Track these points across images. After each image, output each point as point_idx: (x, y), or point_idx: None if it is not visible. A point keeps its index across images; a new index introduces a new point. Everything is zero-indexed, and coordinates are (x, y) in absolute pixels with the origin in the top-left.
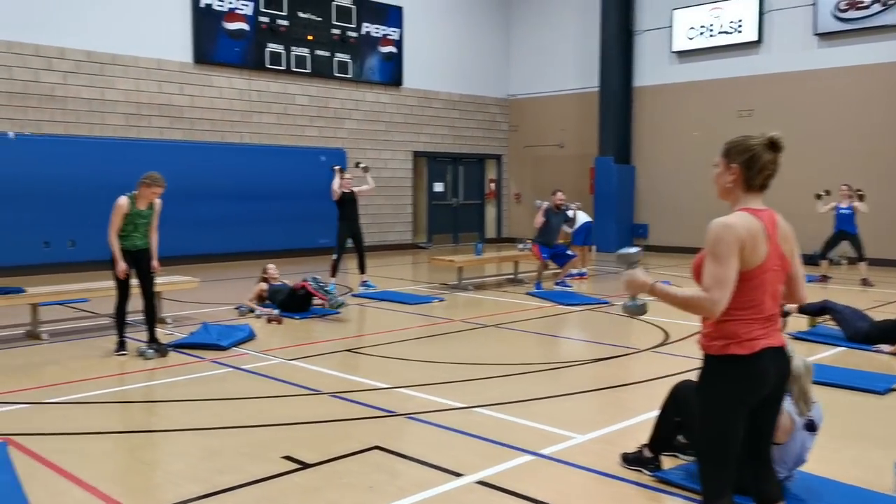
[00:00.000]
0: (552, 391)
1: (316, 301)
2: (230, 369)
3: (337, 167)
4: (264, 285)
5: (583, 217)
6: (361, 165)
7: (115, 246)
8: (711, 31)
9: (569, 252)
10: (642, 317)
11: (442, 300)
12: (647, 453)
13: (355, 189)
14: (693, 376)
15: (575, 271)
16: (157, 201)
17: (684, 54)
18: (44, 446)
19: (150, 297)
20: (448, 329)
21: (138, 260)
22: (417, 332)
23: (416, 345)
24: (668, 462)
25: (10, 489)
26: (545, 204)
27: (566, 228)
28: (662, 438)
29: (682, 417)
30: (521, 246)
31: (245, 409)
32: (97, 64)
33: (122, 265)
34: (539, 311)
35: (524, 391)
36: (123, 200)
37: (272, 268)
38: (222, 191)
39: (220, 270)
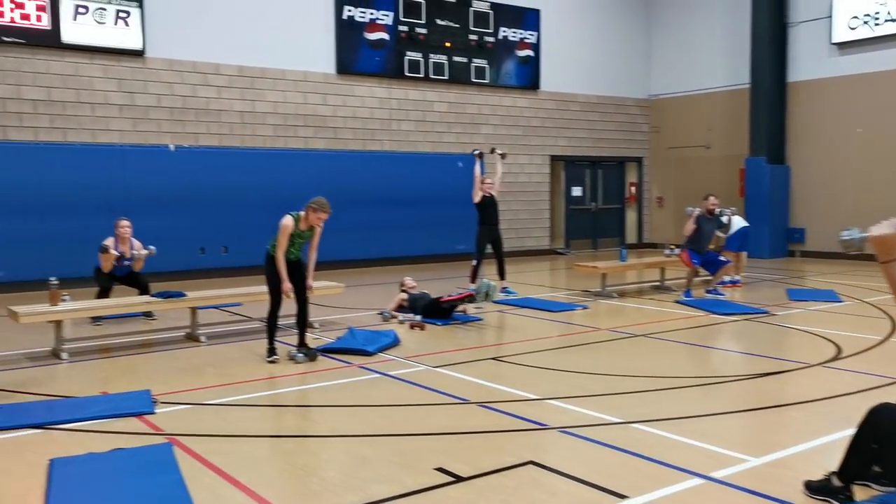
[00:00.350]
0: (714, 407)
1: (458, 307)
2: (378, 375)
3: (477, 152)
4: (404, 295)
5: (739, 222)
6: (499, 152)
7: (282, 266)
8: (877, 19)
9: (721, 258)
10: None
11: (586, 308)
12: (837, 482)
13: (493, 191)
14: (878, 396)
15: (728, 278)
16: (320, 225)
17: (846, 45)
18: (204, 447)
19: (303, 302)
20: (594, 338)
21: (292, 270)
22: (562, 340)
23: (561, 354)
24: (859, 492)
25: (176, 489)
26: (696, 210)
27: (720, 234)
28: (855, 467)
29: (880, 445)
30: (667, 251)
31: (394, 416)
32: (248, 78)
33: (287, 285)
34: (690, 321)
35: (683, 406)
36: (289, 221)
37: (410, 280)
38: (363, 197)
39: (360, 276)
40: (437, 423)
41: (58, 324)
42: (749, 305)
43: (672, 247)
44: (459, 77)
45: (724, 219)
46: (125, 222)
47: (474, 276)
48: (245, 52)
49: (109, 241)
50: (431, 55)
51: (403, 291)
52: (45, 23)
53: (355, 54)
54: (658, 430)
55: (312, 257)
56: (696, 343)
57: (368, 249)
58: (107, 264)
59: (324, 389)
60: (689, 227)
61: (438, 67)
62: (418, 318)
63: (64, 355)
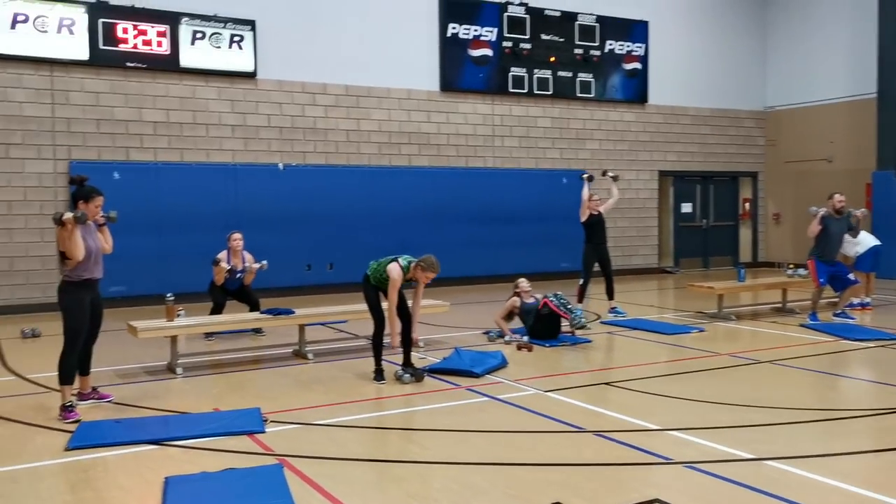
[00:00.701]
0: (859, 445)
1: (564, 328)
2: (486, 399)
3: (585, 175)
4: (517, 300)
5: (870, 240)
6: (610, 174)
7: (395, 321)
8: None
9: (850, 276)
10: None
11: (702, 330)
12: None
13: (601, 209)
14: None
15: (857, 301)
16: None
17: None
18: (314, 469)
19: (408, 322)
20: (713, 364)
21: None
22: (678, 365)
23: (679, 380)
24: None
25: None
26: (822, 210)
27: (849, 238)
28: None
29: None
30: (789, 272)
31: (506, 443)
32: (354, 97)
33: (397, 340)
34: (819, 347)
35: (820, 442)
36: (398, 275)
37: (524, 282)
38: (466, 214)
39: (463, 293)
40: (552, 452)
41: (173, 339)
42: (883, 330)
43: (791, 266)
44: (564, 92)
45: (853, 220)
46: (237, 235)
47: (581, 296)
48: (351, 71)
49: (222, 255)
50: (535, 70)
51: (516, 295)
52: (164, 48)
53: (459, 71)
54: (795, 468)
55: (417, 311)
56: (827, 371)
57: (471, 267)
58: (219, 277)
59: (431, 412)
60: (814, 228)
61: (543, 82)
62: (525, 338)
63: (179, 370)
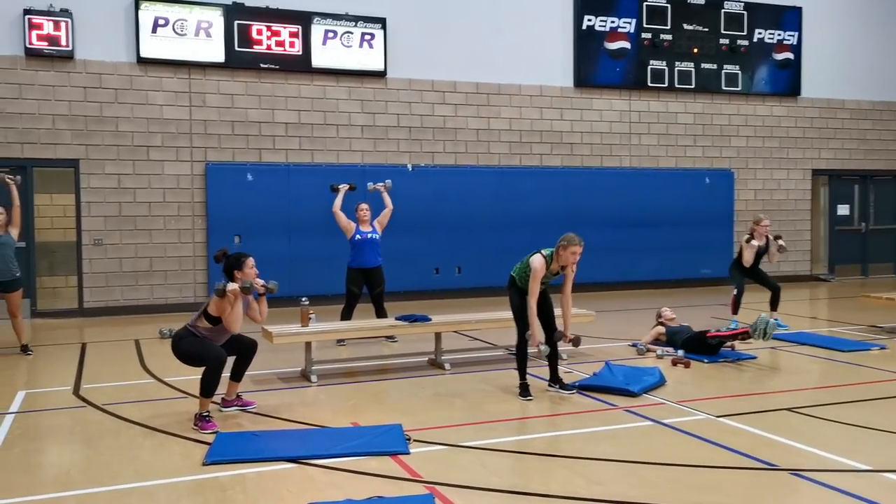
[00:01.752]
0: None
1: (726, 343)
2: (649, 422)
3: (779, 242)
4: (661, 329)
5: None
6: (781, 242)
7: (535, 321)
8: None
9: None
10: None
11: (883, 348)
12: None
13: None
14: None
15: None
16: (574, 262)
17: None
18: (467, 501)
19: (553, 332)
20: None
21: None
22: (867, 389)
23: (875, 407)
24: None
25: None
26: None
27: None
28: None
29: None
30: None
31: (685, 481)
32: (484, 94)
33: (538, 338)
34: None
35: None
36: (540, 264)
37: (668, 311)
38: (601, 217)
39: (600, 300)
40: (746, 495)
41: (308, 345)
42: None
43: None
44: (708, 85)
45: None
46: (364, 206)
47: (735, 307)
48: (481, 68)
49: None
50: (677, 63)
51: (660, 324)
52: (297, 49)
53: (594, 66)
54: None
55: (567, 308)
56: None
57: (605, 273)
58: (338, 202)
59: (589, 437)
60: None
61: (684, 76)
62: (680, 352)
63: (313, 377)
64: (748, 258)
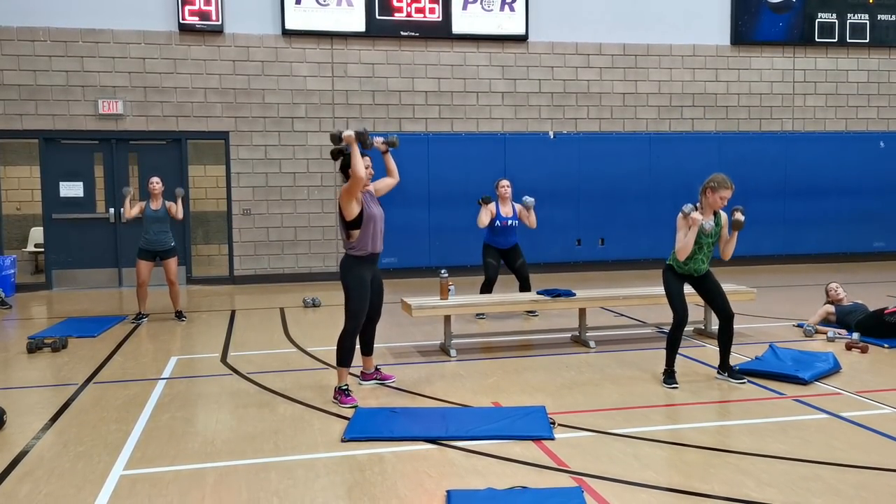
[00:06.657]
0: None
1: None
2: (824, 415)
3: None
4: (830, 308)
5: None
6: None
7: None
8: None
9: None
10: None
11: None
12: None
13: None
14: None
15: None
16: (724, 216)
17: None
18: (620, 497)
19: (727, 319)
20: None
21: (699, 282)
22: None
23: None
24: None
25: None
26: None
27: None
28: None
29: None
30: None
31: (876, 486)
32: (631, 56)
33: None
34: None
35: None
36: (696, 214)
37: (838, 289)
38: (760, 187)
39: (758, 275)
40: None
41: (447, 318)
42: None
43: None
44: (885, 39)
45: None
46: (505, 182)
47: None
48: (628, 28)
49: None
50: (849, 15)
51: (829, 303)
52: (437, 15)
53: (754, 20)
54: None
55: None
56: None
57: (766, 246)
58: (484, 217)
59: (754, 430)
60: None
61: (858, 29)
62: (855, 335)
63: (452, 352)
64: None
